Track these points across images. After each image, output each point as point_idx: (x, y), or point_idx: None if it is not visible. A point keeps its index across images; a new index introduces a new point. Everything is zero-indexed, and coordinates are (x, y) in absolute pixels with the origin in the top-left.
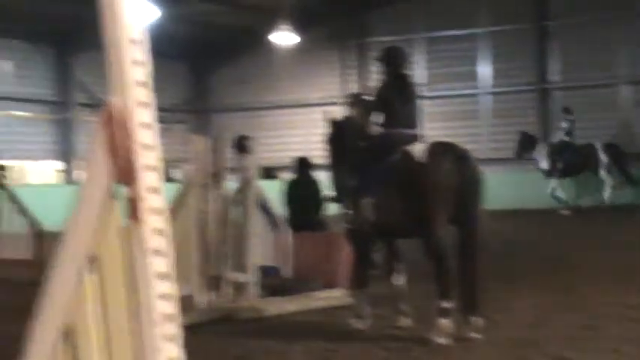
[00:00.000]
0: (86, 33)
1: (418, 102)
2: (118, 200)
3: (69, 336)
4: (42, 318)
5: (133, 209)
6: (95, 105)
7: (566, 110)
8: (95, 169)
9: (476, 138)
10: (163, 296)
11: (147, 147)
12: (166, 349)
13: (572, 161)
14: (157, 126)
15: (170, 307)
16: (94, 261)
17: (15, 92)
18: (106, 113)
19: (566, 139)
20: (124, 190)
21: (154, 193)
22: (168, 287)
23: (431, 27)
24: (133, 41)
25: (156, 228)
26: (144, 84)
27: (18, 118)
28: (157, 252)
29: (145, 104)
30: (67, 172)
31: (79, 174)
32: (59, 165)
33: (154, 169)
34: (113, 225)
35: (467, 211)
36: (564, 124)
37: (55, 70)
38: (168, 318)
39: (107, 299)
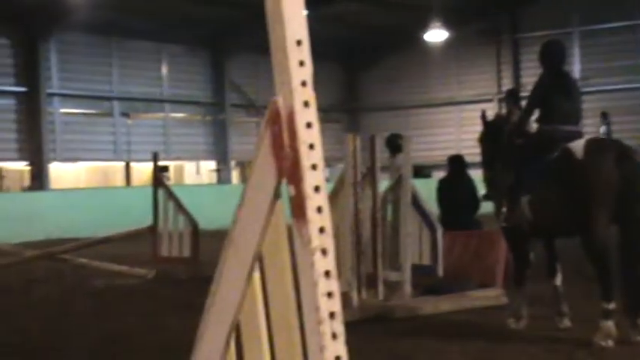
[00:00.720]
0: (239, 35)
1: (580, 98)
2: (283, 199)
3: (237, 332)
4: (212, 314)
5: (298, 208)
6: (247, 106)
7: None
8: (261, 168)
9: (638, 134)
10: (328, 294)
11: (311, 146)
12: (332, 346)
13: None
14: (318, 126)
15: (335, 305)
16: (260, 259)
17: (172, 94)
18: (272, 113)
19: None
20: (288, 189)
21: (318, 192)
22: (333, 285)
23: (587, 20)
24: (298, 42)
25: (321, 226)
26: (307, 84)
27: (175, 120)
28: (323, 250)
29: (308, 104)
30: (221, 171)
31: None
32: (213, 165)
33: (317, 167)
34: (279, 224)
35: (630, 211)
36: None
37: (210, 72)
38: (334, 316)
39: (272, 297)
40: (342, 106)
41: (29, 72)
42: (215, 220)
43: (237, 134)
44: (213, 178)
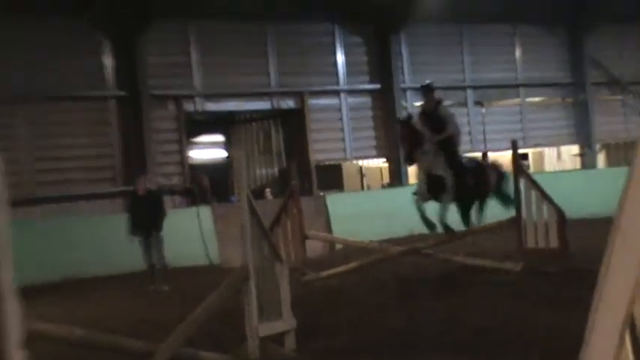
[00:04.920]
0: (598, 6)
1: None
2: None
3: (632, 326)
4: (602, 308)
5: None
6: (610, 83)
7: None
8: None
9: None
10: None
11: None
12: None
13: None
14: None
15: None
16: None
17: (526, 78)
18: None
19: None
20: None
21: None
22: None
23: None
24: None
25: None
26: None
27: (531, 104)
28: None
29: None
30: (586, 155)
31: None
32: (575, 149)
33: None
34: None
35: None
36: None
37: (567, 50)
38: None
39: None
40: None
41: (382, 68)
42: (582, 208)
43: (601, 114)
44: (576, 163)
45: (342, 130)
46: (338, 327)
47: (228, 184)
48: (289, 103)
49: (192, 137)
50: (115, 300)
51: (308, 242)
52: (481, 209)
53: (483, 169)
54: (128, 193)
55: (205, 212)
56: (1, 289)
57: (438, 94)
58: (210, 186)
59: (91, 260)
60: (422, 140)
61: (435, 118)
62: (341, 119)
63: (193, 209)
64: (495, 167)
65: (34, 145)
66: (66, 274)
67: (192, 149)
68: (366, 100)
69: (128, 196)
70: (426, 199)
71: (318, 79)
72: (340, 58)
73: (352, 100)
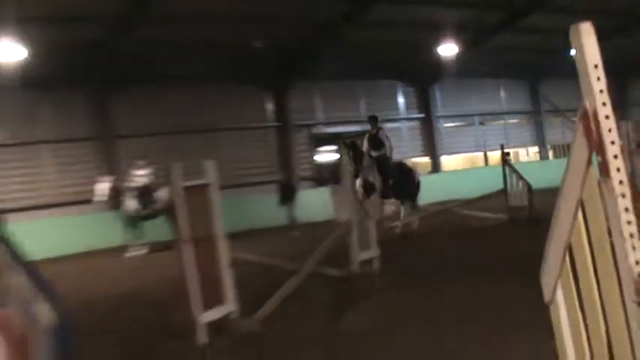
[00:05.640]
0: (552, 65)
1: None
2: (593, 165)
3: (569, 250)
4: (553, 240)
5: (604, 169)
6: (555, 110)
7: None
8: (578, 146)
9: None
10: (628, 222)
11: (609, 130)
12: (632, 255)
13: None
14: (613, 118)
15: (632, 229)
16: (581, 204)
17: (509, 108)
18: (583, 112)
19: None
20: (597, 158)
21: (616, 158)
22: (630, 217)
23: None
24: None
25: (620, 180)
26: (604, 92)
27: (512, 124)
28: (622, 195)
29: (605, 104)
30: (542, 152)
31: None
32: (536, 149)
33: (614, 143)
34: (592, 180)
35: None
36: None
37: (529, 93)
38: (632, 236)
39: (591, 227)
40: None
41: (424, 105)
42: (541, 183)
43: (550, 128)
44: (537, 157)
45: (400, 139)
46: (407, 256)
47: (338, 174)
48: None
49: (318, 148)
50: (273, 241)
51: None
52: (412, 200)
53: (409, 171)
54: (279, 182)
55: (326, 190)
56: (215, 234)
57: (380, 123)
58: (329, 175)
59: (258, 218)
60: (362, 158)
61: (376, 140)
62: (401, 135)
63: (320, 189)
64: (412, 170)
65: (231, 159)
66: (244, 227)
67: (317, 154)
68: (415, 124)
69: (279, 184)
70: (363, 198)
71: (389, 112)
72: (401, 99)
73: (407, 124)
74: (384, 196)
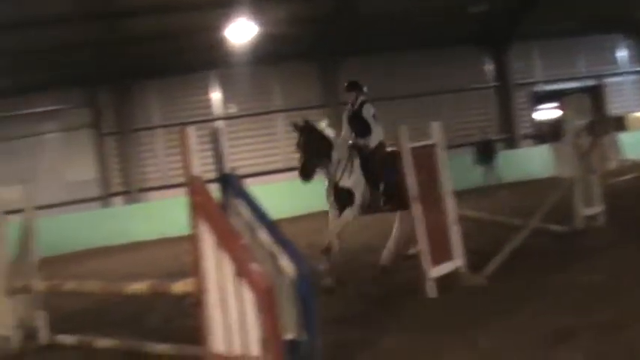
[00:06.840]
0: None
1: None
2: None
3: None
4: None
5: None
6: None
7: None
8: None
9: None
10: None
11: None
12: None
13: None
14: None
15: None
16: None
17: None
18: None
19: None
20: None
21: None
22: None
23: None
24: None
25: None
26: None
27: None
28: None
29: None
30: None
31: None
32: None
33: None
34: None
35: None
36: None
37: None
38: None
39: None
40: None
41: None
42: None
43: None
44: None
45: (622, 95)
46: (637, 210)
47: (559, 131)
48: (589, 83)
49: (538, 105)
50: (484, 200)
51: None
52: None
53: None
54: (477, 143)
55: (546, 148)
56: (443, 192)
57: (364, 94)
58: (549, 133)
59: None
60: (320, 146)
61: (360, 119)
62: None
63: (541, 146)
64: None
65: (452, 121)
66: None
67: (537, 112)
68: (638, 77)
69: (477, 144)
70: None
71: (609, 67)
72: (621, 53)
73: (629, 77)
74: (372, 208)
